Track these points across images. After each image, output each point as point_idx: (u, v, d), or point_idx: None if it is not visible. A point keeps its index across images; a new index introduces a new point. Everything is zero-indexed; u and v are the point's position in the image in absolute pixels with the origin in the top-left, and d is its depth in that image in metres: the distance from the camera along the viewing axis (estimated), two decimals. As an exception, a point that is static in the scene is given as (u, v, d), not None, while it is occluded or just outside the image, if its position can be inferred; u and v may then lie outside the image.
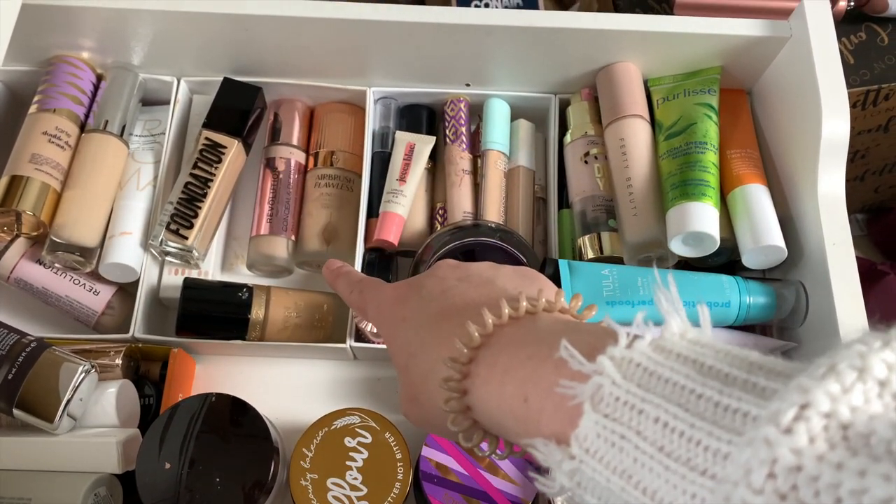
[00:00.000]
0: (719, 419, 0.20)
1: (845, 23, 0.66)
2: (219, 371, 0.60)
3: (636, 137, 0.60)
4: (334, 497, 0.50)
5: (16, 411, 0.49)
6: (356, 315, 0.39)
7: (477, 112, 0.66)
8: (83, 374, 0.50)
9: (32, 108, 0.60)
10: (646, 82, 0.63)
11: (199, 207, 0.58)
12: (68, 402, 0.50)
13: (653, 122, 0.62)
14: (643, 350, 0.23)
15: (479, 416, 0.29)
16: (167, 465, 0.49)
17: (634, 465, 0.22)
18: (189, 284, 0.58)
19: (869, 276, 0.76)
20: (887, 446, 0.17)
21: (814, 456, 0.17)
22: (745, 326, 0.56)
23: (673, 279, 0.26)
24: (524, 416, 0.26)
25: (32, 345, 0.51)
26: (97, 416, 0.53)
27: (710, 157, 0.58)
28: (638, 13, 0.69)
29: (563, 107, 0.66)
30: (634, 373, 0.23)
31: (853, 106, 0.65)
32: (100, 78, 0.64)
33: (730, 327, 0.56)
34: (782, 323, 0.57)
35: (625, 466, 0.22)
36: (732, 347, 0.23)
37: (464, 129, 0.65)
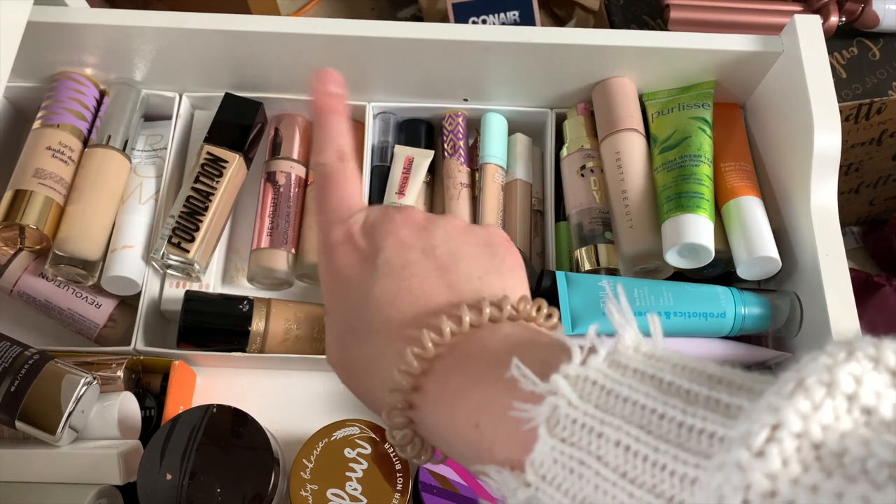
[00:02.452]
0: (684, 441, 0.19)
1: (837, 38, 0.68)
2: (219, 383, 0.60)
3: (632, 151, 0.61)
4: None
5: (18, 423, 0.50)
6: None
7: (475, 126, 0.67)
8: (85, 387, 0.51)
9: (36, 124, 0.61)
10: (641, 97, 0.64)
11: (201, 221, 0.59)
12: (70, 414, 0.50)
13: (648, 135, 0.63)
14: (599, 367, 0.22)
15: (420, 424, 0.27)
16: (168, 477, 0.49)
17: (595, 493, 0.20)
18: (190, 297, 0.58)
19: (865, 288, 0.77)
20: (862, 465, 0.16)
21: (788, 480, 0.16)
22: (740, 337, 0.57)
23: (622, 288, 0.25)
24: (476, 443, 0.24)
25: (35, 357, 0.51)
26: (99, 428, 0.53)
27: (705, 170, 0.59)
28: (633, 29, 0.71)
29: (560, 121, 0.67)
30: (591, 392, 0.22)
31: (846, 119, 0.66)
32: (103, 94, 0.65)
33: (725, 338, 0.57)
34: (777, 333, 0.57)
35: (585, 494, 0.21)
36: (688, 359, 0.22)
37: (462, 143, 0.66)
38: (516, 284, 0.30)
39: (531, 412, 0.22)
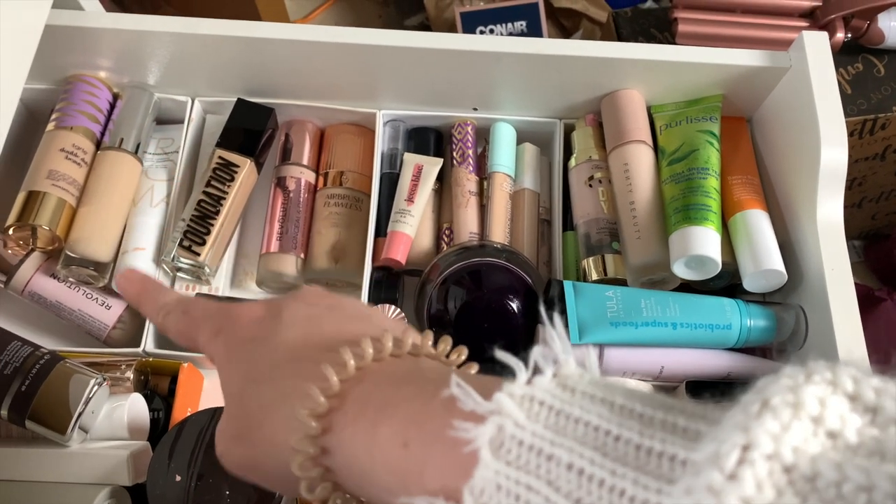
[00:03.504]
0: (643, 465, 0.18)
1: (842, 54, 0.68)
2: (227, 386, 0.60)
3: (639, 162, 0.61)
4: (340, 511, 0.51)
5: (28, 423, 0.50)
6: (177, 340, 0.32)
7: (483, 135, 0.68)
8: (95, 387, 0.51)
9: (50, 126, 0.61)
10: (649, 109, 0.65)
11: (212, 225, 0.59)
12: (80, 414, 0.50)
13: (656, 147, 0.64)
14: (546, 387, 0.20)
15: (337, 468, 0.23)
16: (177, 478, 0.49)
17: None
18: (200, 300, 0.59)
19: (866, 302, 0.77)
20: (837, 490, 0.15)
21: None
22: (746, 349, 0.58)
23: (559, 319, 0.23)
24: (402, 467, 0.21)
25: (45, 357, 0.52)
26: (107, 429, 0.53)
27: (712, 183, 0.59)
28: (640, 41, 0.72)
29: (568, 132, 0.67)
30: (539, 412, 0.20)
31: (851, 135, 0.67)
32: (116, 97, 0.65)
33: (730, 349, 0.57)
34: (782, 346, 0.58)
35: None
36: (636, 388, 0.20)
37: (471, 152, 0.66)
38: (415, 332, 0.28)
39: (472, 431, 0.20)
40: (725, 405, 0.18)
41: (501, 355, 0.21)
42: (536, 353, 0.21)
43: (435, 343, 0.27)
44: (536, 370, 0.21)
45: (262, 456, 0.25)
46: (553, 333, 0.22)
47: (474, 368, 0.27)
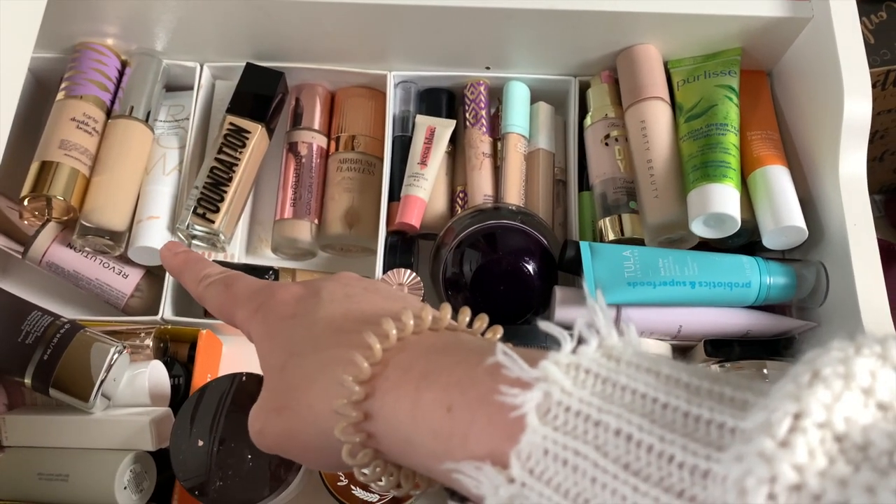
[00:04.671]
0: (692, 432, 0.18)
1: (865, 2, 0.66)
2: (246, 352, 0.60)
3: (657, 119, 0.60)
4: (363, 472, 0.51)
5: (52, 391, 0.51)
6: (215, 313, 0.32)
7: (497, 95, 0.67)
8: (116, 355, 0.52)
9: (60, 95, 0.61)
10: (666, 64, 0.63)
11: (225, 191, 0.59)
12: (102, 381, 0.51)
13: (673, 104, 0.62)
14: (592, 356, 0.20)
15: (380, 433, 0.24)
16: (200, 443, 0.50)
17: (593, 487, 0.18)
18: (216, 267, 0.59)
19: (886, 258, 0.76)
20: (890, 459, 0.15)
21: (815, 472, 0.15)
22: (765, 306, 0.57)
23: (601, 295, 0.23)
24: (446, 431, 0.21)
25: (66, 326, 0.52)
26: (129, 396, 0.54)
27: (731, 139, 0.58)
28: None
29: (583, 89, 0.66)
30: (586, 380, 0.20)
31: (873, 86, 0.65)
32: (124, 64, 0.65)
33: (750, 307, 0.57)
34: (802, 303, 0.57)
35: (580, 489, 0.18)
36: (679, 360, 0.21)
37: (484, 113, 0.65)
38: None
39: (519, 397, 0.20)
40: (771, 378, 0.18)
41: (546, 326, 0.21)
42: (580, 324, 0.21)
43: (470, 323, 0.27)
44: (581, 341, 0.21)
45: (303, 424, 0.26)
46: (596, 307, 0.22)
47: (499, 333, 0.27)
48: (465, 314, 0.27)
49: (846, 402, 0.16)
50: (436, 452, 0.22)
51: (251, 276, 0.32)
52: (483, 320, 0.27)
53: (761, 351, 0.56)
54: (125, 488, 0.50)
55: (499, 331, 0.27)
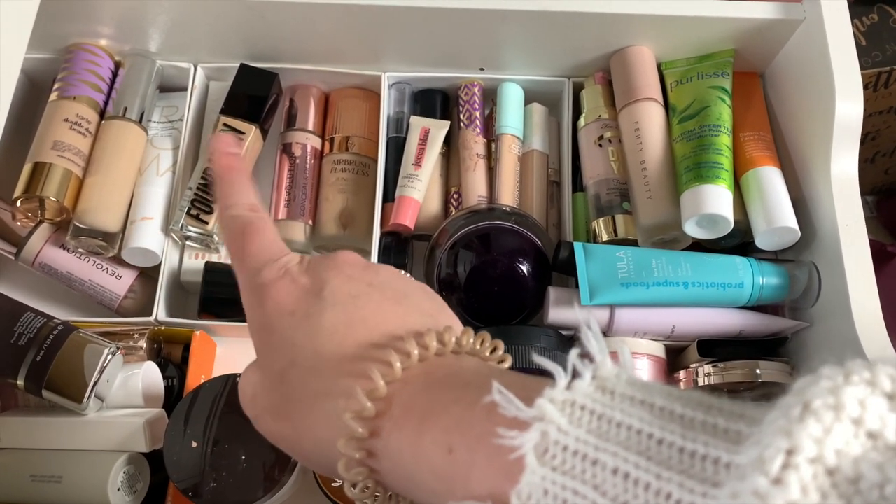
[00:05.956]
0: (688, 468, 0.18)
1: (857, 4, 0.67)
2: (240, 353, 0.60)
3: (650, 121, 0.60)
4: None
5: (45, 392, 0.51)
6: (225, 244, 0.31)
7: (491, 96, 0.67)
8: (109, 356, 0.52)
9: (53, 96, 0.61)
10: (659, 66, 0.64)
11: (219, 192, 0.59)
12: (96, 383, 0.51)
13: (666, 105, 0.63)
14: (586, 391, 0.21)
15: (383, 470, 0.24)
16: (194, 444, 0.50)
17: None
18: (210, 268, 0.59)
19: (878, 258, 0.76)
20: (880, 492, 0.15)
21: None
22: (758, 307, 0.57)
23: (593, 317, 0.23)
24: (448, 472, 0.22)
25: (59, 328, 0.52)
26: (123, 398, 0.54)
27: (724, 140, 0.58)
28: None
29: (577, 90, 0.66)
30: (582, 417, 0.20)
31: (865, 88, 0.65)
32: (118, 65, 0.65)
33: (742, 308, 0.57)
34: (794, 303, 0.58)
35: None
36: (673, 388, 0.21)
37: (478, 114, 0.65)
38: (457, 324, 0.29)
39: (518, 439, 0.20)
40: (763, 405, 0.19)
41: (540, 360, 0.22)
42: (573, 357, 0.21)
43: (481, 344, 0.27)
44: (575, 373, 0.21)
45: (303, 441, 0.26)
46: (589, 334, 0.22)
47: (508, 362, 0.27)
48: (470, 336, 0.26)
49: (837, 434, 0.16)
50: (438, 491, 0.22)
51: (272, 234, 0.30)
52: (497, 347, 0.27)
53: (754, 351, 0.56)
54: (119, 490, 0.50)
55: (508, 359, 0.27)
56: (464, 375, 0.24)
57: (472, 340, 0.26)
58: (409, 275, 0.53)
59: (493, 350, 0.27)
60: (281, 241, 0.30)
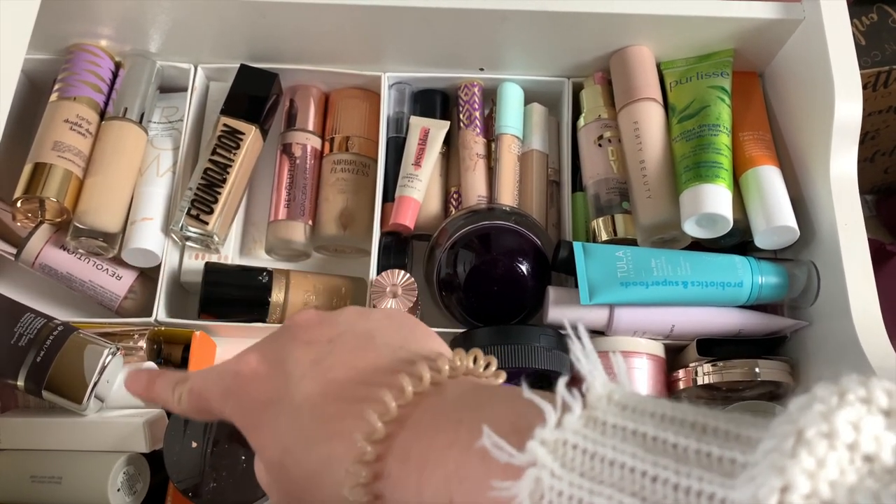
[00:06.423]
0: None
1: (857, 4, 0.67)
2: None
3: (650, 120, 0.60)
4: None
5: (45, 393, 0.51)
6: (198, 418, 0.32)
7: (490, 96, 0.67)
8: (109, 357, 0.52)
9: (53, 97, 0.61)
10: (659, 65, 0.64)
11: (219, 193, 0.59)
12: (96, 383, 0.51)
13: (666, 105, 0.63)
14: (576, 428, 0.20)
15: None
16: (193, 445, 0.50)
17: None
18: (210, 269, 0.59)
19: (878, 257, 0.76)
20: None
21: None
22: (757, 306, 0.57)
23: (584, 330, 0.23)
24: None
25: (59, 328, 0.52)
26: (122, 398, 0.54)
27: (723, 140, 0.58)
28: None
29: (577, 90, 0.66)
30: (573, 458, 0.20)
31: (864, 87, 0.65)
32: (118, 66, 0.65)
33: (741, 307, 0.57)
34: (793, 302, 0.58)
35: None
36: (664, 404, 0.20)
37: (477, 114, 0.65)
38: (440, 345, 0.28)
39: (513, 489, 0.20)
40: (757, 420, 0.18)
41: (529, 394, 0.22)
42: (561, 388, 0.21)
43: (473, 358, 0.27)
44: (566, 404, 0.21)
45: None
46: (579, 353, 0.22)
47: (502, 378, 0.27)
48: (462, 357, 0.26)
49: (831, 466, 0.16)
50: None
51: (204, 369, 0.31)
52: (490, 363, 0.27)
53: (753, 350, 0.56)
54: (119, 490, 0.50)
55: (502, 375, 0.27)
56: (451, 413, 0.24)
57: (465, 362, 0.26)
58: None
59: (487, 366, 0.27)
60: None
